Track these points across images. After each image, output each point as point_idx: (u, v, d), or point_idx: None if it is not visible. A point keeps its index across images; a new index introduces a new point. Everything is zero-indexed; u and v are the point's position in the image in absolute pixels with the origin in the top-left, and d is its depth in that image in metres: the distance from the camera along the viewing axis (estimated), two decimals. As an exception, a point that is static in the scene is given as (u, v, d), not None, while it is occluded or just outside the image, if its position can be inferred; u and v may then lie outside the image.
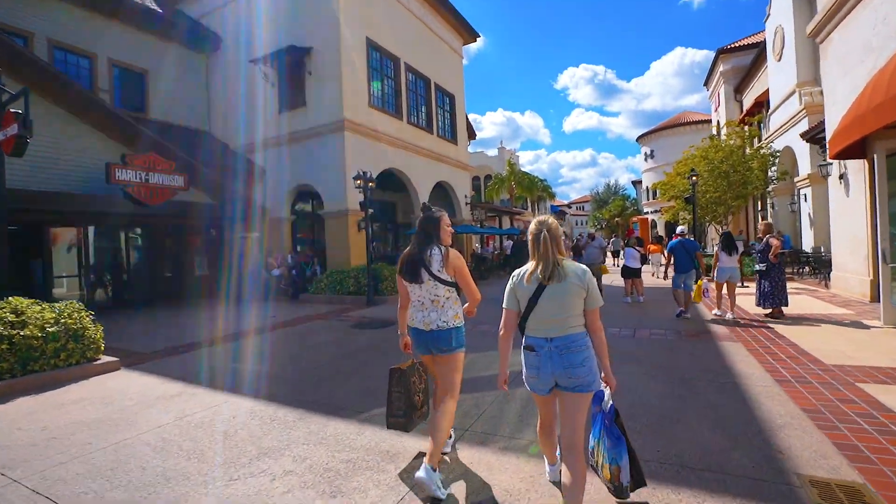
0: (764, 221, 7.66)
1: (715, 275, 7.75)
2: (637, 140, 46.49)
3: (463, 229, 17.91)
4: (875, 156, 6.26)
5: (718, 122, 27.50)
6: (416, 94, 16.91)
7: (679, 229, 8.41)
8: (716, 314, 7.81)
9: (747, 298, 9.58)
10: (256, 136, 14.81)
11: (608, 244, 26.98)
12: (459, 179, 19.84)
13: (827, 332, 6.18)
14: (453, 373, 2.89)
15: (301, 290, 12.88)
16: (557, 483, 2.58)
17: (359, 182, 10.95)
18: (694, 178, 12.40)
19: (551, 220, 2.36)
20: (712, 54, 29.08)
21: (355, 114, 13.45)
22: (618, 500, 2.43)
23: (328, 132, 13.37)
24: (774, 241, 7.37)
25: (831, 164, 9.51)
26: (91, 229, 11.54)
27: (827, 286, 10.44)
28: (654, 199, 43.35)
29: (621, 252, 28.05)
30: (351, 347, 6.51)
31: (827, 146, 9.64)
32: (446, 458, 3.06)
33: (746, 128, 16.63)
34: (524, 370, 2.36)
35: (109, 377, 5.27)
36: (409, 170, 16.10)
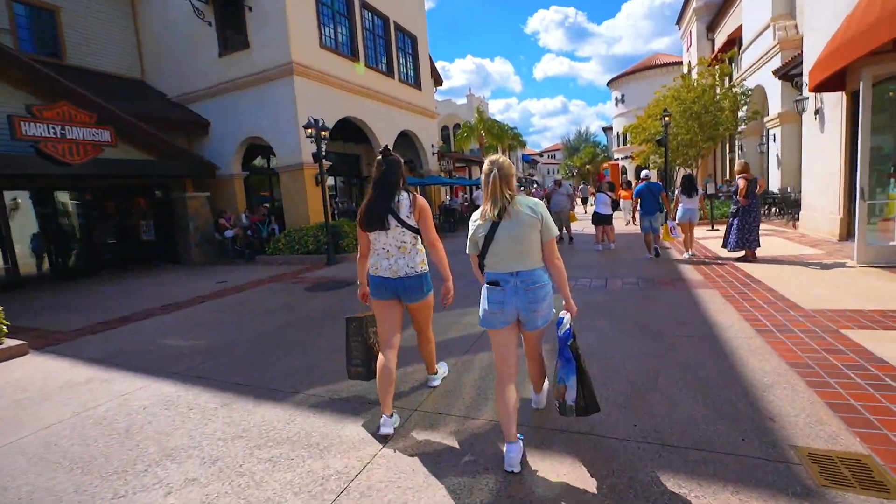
0: (740, 161, 7.22)
1: (676, 216, 8.06)
2: (608, 85, 45.41)
3: (430, 180, 17.12)
4: (861, 84, 5.77)
5: (690, 62, 26.73)
6: (374, 35, 15.46)
7: (644, 173, 8.57)
8: (687, 256, 7.90)
9: (719, 243, 9.36)
10: (197, 85, 13.33)
11: (576, 191, 26.66)
12: (425, 128, 18.75)
13: (802, 275, 5.90)
14: (426, 310, 3.01)
15: (258, 252, 12.04)
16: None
17: (310, 131, 9.94)
18: (667, 118, 11.82)
19: (502, 158, 2.33)
20: None
21: (305, 56, 12.13)
22: (561, 415, 2.48)
23: (275, 77, 12.07)
24: (741, 182, 7.00)
25: (807, 98, 9.06)
26: (5, 194, 10.24)
27: (795, 226, 10.31)
28: (624, 144, 43.00)
29: (590, 199, 27.80)
30: (301, 314, 5.90)
31: (804, 80, 9.15)
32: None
33: (718, 66, 15.94)
34: (485, 307, 2.35)
35: (11, 364, 4.53)
36: (370, 118, 14.97)
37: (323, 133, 10.30)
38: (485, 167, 2.32)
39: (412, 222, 2.77)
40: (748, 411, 2.66)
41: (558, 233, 2.41)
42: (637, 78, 41.05)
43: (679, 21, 29.06)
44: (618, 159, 42.57)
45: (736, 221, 7.16)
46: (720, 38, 21.74)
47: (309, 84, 12.35)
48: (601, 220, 9.50)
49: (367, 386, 3.34)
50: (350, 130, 15.78)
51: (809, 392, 2.82)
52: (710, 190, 11.33)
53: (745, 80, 16.08)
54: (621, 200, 14.65)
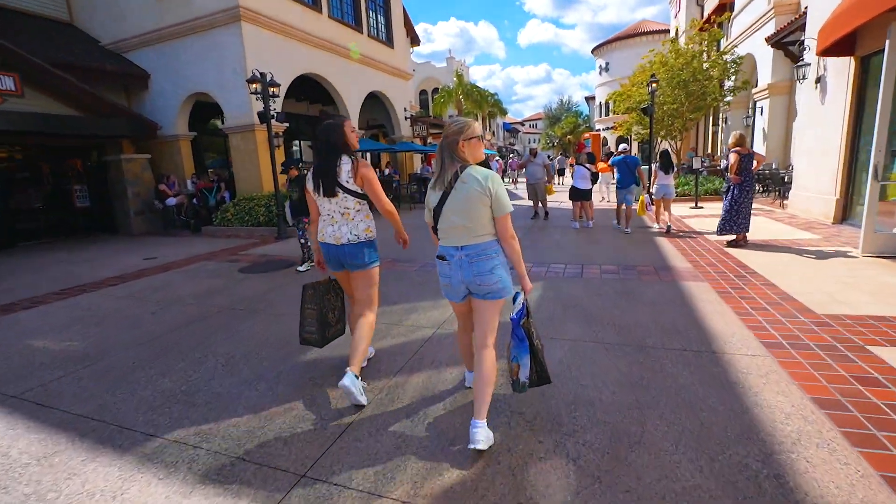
0: (735, 133, 6.33)
1: (653, 191, 8.00)
2: (592, 52, 43.80)
3: (401, 147, 15.87)
4: (888, 41, 4.85)
5: (678, 29, 25.52)
6: (339, -19, 13.79)
7: (622, 146, 8.63)
8: (657, 228, 8.04)
9: (705, 221, 8.58)
10: (134, 30, 11.63)
11: (553, 162, 25.68)
12: (397, 89, 17.29)
13: (802, 265, 5.14)
14: (369, 287, 2.83)
15: (205, 222, 10.81)
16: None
17: (255, 87, 8.60)
18: (654, 84, 10.83)
19: (456, 121, 2.19)
20: None
21: (256, 0, 10.57)
22: (515, 392, 2.46)
23: (221, 23, 10.51)
24: (732, 157, 6.15)
25: (808, 64, 8.15)
26: None
27: (783, 206, 9.61)
28: (607, 115, 41.92)
29: (566, 171, 26.78)
30: (218, 304, 4.88)
31: (806, 45, 8.22)
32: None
33: (709, 31, 14.87)
34: (439, 279, 2.35)
35: None
36: (334, 76, 13.50)
37: (272, 89, 8.97)
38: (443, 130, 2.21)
39: (353, 187, 2.65)
40: (773, 488, 1.83)
41: (512, 209, 2.17)
42: (622, 46, 39.58)
43: (668, -15, 27.60)
44: (599, 130, 41.56)
45: (727, 202, 6.35)
46: (710, 3, 20.54)
47: (261, 33, 10.84)
48: (579, 195, 8.59)
49: (266, 434, 2.41)
50: (313, 88, 14.30)
51: (854, 454, 2.01)
52: (696, 165, 10.46)
53: (735, 48, 15.08)
54: (600, 174, 13.72)
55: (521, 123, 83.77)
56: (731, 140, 6.38)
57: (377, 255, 2.83)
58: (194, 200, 10.89)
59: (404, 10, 23.67)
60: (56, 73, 9.23)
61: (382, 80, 16.18)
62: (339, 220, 2.69)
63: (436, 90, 33.98)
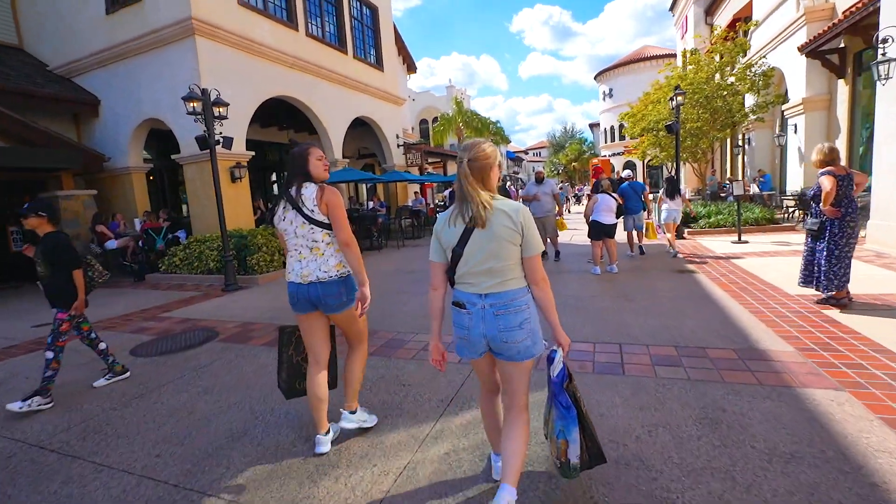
0: (825, 145, 4.46)
1: (661, 217, 7.95)
2: (595, 78, 42.89)
3: (389, 177, 14.17)
4: None
5: (685, 51, 24.15)
6: (320, -2, 12.43)
7: (626, 172, 8.66)
8: (669, 252, 7.73)
9: (761, 263, 6.60)
10: (82, 51, 10.20)
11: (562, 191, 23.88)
12: (388, 115, 15.77)
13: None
14: (353, 323, 2.49)
15: (150, 269, 9.02)
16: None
17: (192, 105, 6.92)
18: (679, 97, 9.08)
19: (481, 144, 1.81)
20: None
21: (214, 13, 9.09)
22: (564, 477, 1.92)
23: (174, 39, 9.02)
24: (826, 182, 4.24)
25: (889, 62, 6.33)
26: None
27: (861, 240, 7.62)
28: (612, 140, 40.55)
29: (570, 200, 24.82)
30: (32, 433, 2.96)
31: (885, 35, 6.44)
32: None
33: (731, 43, 13.24)
34: (454, 331, 1.89)
35: None
36: (313, 100, 11.95)
37: (218, 109, 7.30)
38: (458, 154, 1.82)
39: (320, 217, 2.34)
40: None
41: (543, 248, 1.89)
42: (626, 71, 38.55)
43: (672, 7, 26.46)
44: (606, 155, 40.08)
45: (821, 246, 4.41)
46: (723, 19, 19.09)
47: (221, 50, 9.31)
48: (603, 231, 6.68)
49: None
50: (290, 114, 12.76)
51: None
52: (738, 191, 8.59)
53: (756, 61, 13.41)
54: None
55: (525, 152, 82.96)
56: (815, 157, 4.48)
57: (355, 293, 2.41)
58: (140, 243, 9.13)
59: (398, 34, 22.57)
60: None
61: (370, 104, 14.66)
62: (308, 255, 2.38)
63: (436, 119, 32.80)
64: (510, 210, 1.73)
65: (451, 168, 27.04)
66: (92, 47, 9.99)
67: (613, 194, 6.73)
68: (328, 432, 2.47)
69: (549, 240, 8.01)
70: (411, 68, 24.34)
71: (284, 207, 2.40)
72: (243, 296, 6.89)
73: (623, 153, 21.00)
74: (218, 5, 9.22)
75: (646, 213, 8.06)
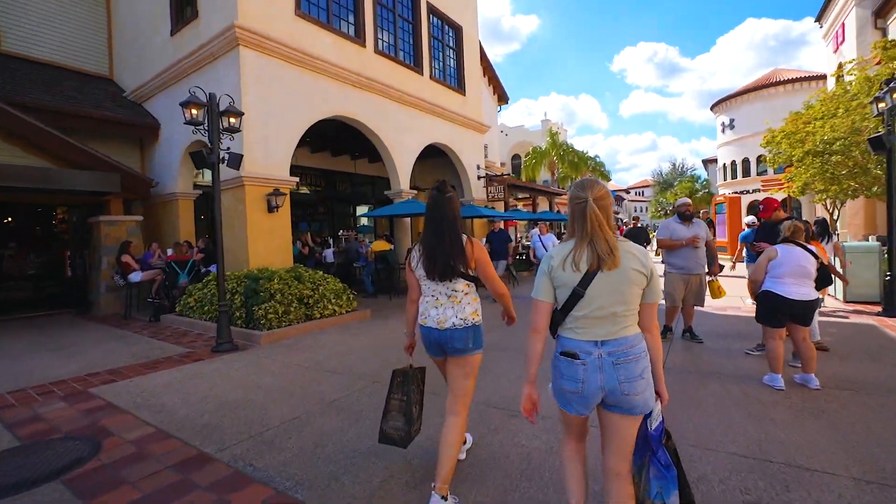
0: None
1: None
2: (711, 109, 37.64)
3: (468, 212, 12.00)
4: None
5: (841, 64, 19.27)
6: (394, 14, 11.08)
7: (748, 219, 7.41)
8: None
9: None
10: (149, 74, 9.74)
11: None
12: (468, 143, 13.82)
13: None
14: (467, 378, 2.36)
15: (169, 309, 7.70)
16: None
17: (193, 112, 5.38)
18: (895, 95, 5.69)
19: (599, 182, 1.71)
20: (790, 24, 20.73)
21: (263, 21, 7.92)
22: None
23: (220, 52, 7.97)
24: None
25: None
26: None
27: None
28: (733, 178, 34.75)
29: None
30: None
31: None
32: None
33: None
34: (559, 383, 1.73)
35: None
36: (379, 122, 10.39)
37: (229, 119, 5.74)
38: (573, 193, 1.73)
39: (468, 271, 2.31)
40: None
41: (662, 298, 1.84)
42: (752, 99, 33.12)
43: (821, 17, 21.69)
44: (724, 194, 34.28)
45: None
46: (903, 20, 14.53)
47: (269, 63, 8.06)
48: (788, 312, 3.64)
49: None
50: (352, 138, 11.33)
51: None
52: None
53: None
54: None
55: (626, 191, 77.02)
56: None
57: (482, 342, 2.35)
58: (164, 278, 7.91)
59: (488, 61, 21.00)
60: (18, 117, 7.14)
61: (448, 131, 12.83)
62: (445, 302, 2.32)
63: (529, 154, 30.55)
64: (639, 253, 1.67)
65: (543, 205, 24.32)
66: (155, 70, 9.46)
67: (810, 246, 3.70)
68: (447, 498, 2.11)
69: (684, 306, 5.15)
70: (502, 98, 22.55)
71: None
72: (227, 364, 4.99)
73: (778, 186, 16.48)
74: (269, 14, 8.04)
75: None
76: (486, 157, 20.58)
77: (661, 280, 5.35)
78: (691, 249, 5.06)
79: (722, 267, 5.48)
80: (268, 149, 8.04)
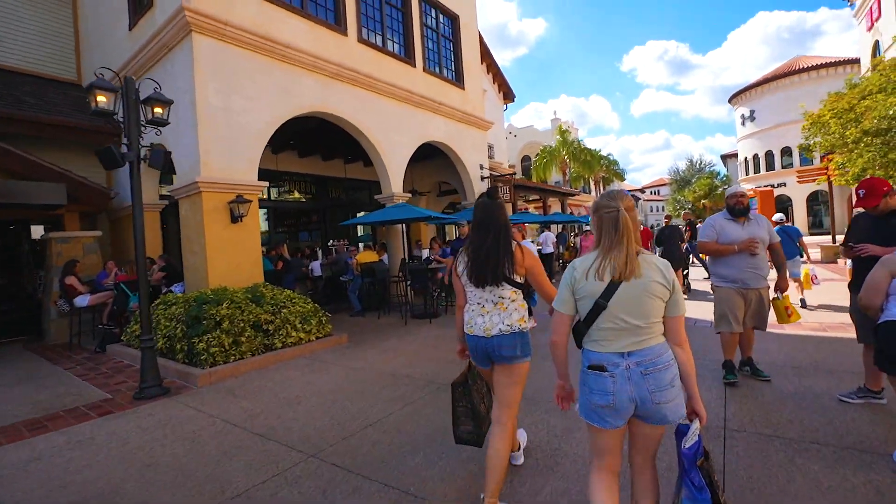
0: None
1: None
2: (729, 101, 35.84)
3: (462, 216, 10.76)
4: None
5: (877, 43, 17.52)
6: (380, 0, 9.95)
7: (777, 216, 7.46)
8: None
9: None
10: (108, 73, 8.78)
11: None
12: (469, 141, 12.57)
13: None
14: (514, 386, 2.26)
15: (116, 337, 6.60)
16: None
17: (100, 98, 4.24)
18: None
19: (625, 192, 1.75)
20: (804, 15, 19.01)
21: (222, 5, 6.83)
22: None
23: (174, 42, 6.92)
24: None
25: None
26: None
27: None
28: (756, 172, 32.77)
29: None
30: None
31: None
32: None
33: None
34: (589, 398, 1.67)
35: None
36: (364, 119, 9.23)
37: (156, 109, 4.61)
38: (601, 202, 1.71)
39: (517, 278, 2.25)
40: None
41: (686, 310, 1.70)
42: (773, 89, 31.22)
43: (852, -6, 19.95)
44: (750, 189, 32.33)
45: None
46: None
47: (230, 52, 6.97)
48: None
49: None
50: (355, 146, 10.20)
51: None
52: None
53: None
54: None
55: (641, 191, 74.76)
56: None
57: (530, 350, 2.26)
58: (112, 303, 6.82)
59: (494, 61, 19.78)
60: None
61: (445, 128, 11.62)
62: (492, 309, 2.26)
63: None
64: (662, 265, 1.65)
65: (555, 206, 22.90)
66: (114, 69, 8.48)
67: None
68: None
69: (740, 331, 3.79)
70: (508, 96, 21.28)
71: None
72: (138, 421, 3.82)
73: (797, 181, 14.77)
74: (230, -3, 6.97)
75: (802, 258, 7.01)
76: (492, 157, 19.31)
77: (713, 300, 4.03)
78: (747, 256, 3.70)
79: (786, 279, 4.00)
80: (231, 150, 6.92)
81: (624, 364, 1.60)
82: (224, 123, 6.81)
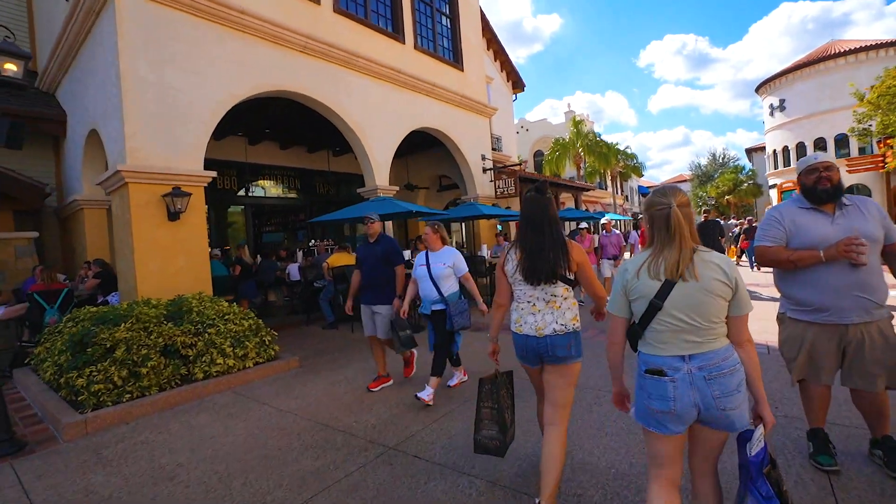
0: None
1: None
2: (756, 91, 33.56)
3: (459, 212, 9.41)
4: None
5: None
6: (362, -34, 8.66)
7: None
8: None
9: None
10: (48, 53, 7.72)
11: (735, 227, 15.98)
12: (469, 128, 11.21)
13: None
14: (568, 387, 2.19)
15: (26, 358, 5.47)
16: None
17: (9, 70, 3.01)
18: None
19: (679, 189, 1.63)
20: (829, 5, 16.96)
21: (155, -43, 5.65)
22: None
23: (98, 2, 5.76)
24: None
25: None
26: None
27: None
28: (786, 165, 30.49)
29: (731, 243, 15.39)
30: None
31: None
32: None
33: None
34: (647, 404, 1.57)
35: None
36: (342, 100, 7.96)
37: (6, 64, 3.41)
38: (652, 199, 1.63)
39: (569, 274, 2.19)
40: None
41: (753, 307, 1.56)
42: (806, 76, 28.93)
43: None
44: (776, 183, 30.03)
45: None
46: None
47: (166, 16, 5.76)
48: None
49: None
50: (338, 135, 8.97)
51: None
52: None
53: None
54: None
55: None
56: None
57: (581, 349, 2.18)
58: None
59: (501, 47, 18.34)
60: None
61: (441, 113, 10.27)
62: (543, 308, 2.17)
63: (551, 148, 27.53)
64: (723, 263, 1.54)
65: (568, 202, 21.34)
66: (52, 45, 7.41)
67: None
68: None
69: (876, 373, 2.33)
70: (517, 86, 19.80)
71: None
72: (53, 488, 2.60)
73: (848, 171, 12.94)
74: (167, -50, 5.76)
75: None
76: (500, 150, 17.89)
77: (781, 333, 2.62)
78: (845, 268, 2.25)
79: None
80: (169, 133, 5.71)
81: (685, 368, 1.51)
82: (158, 100, 5.61)
